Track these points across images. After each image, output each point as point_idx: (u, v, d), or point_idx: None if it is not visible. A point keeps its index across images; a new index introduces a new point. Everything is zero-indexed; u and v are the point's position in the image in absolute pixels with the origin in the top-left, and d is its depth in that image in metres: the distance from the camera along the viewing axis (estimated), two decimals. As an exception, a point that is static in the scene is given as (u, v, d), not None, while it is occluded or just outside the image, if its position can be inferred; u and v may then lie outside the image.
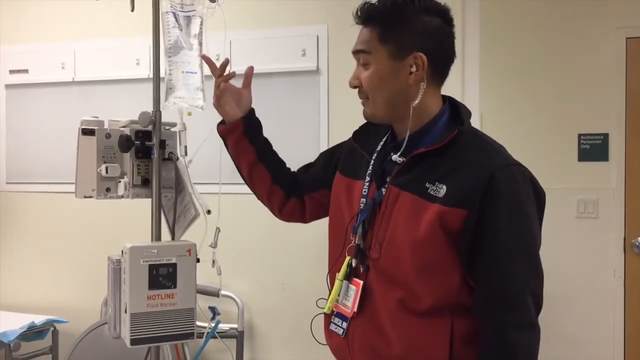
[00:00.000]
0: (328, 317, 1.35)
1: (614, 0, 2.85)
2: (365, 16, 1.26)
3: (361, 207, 1.30)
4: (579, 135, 2.90)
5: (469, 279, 1.21)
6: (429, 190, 1.20)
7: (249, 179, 1.56)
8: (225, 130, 1.52)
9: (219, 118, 1.57)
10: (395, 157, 1.26)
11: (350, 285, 1.30)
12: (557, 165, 2.90)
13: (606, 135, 2.88)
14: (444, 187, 1.18)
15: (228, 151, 1.55)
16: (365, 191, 1.31)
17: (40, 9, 3.17)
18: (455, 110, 1.30)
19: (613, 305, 2.84)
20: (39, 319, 2.82)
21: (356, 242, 1.29)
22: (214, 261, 1.65)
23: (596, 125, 2.89)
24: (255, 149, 1.52)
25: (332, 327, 1.33)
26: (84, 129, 1.62)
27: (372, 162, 1.32)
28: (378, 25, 1.24)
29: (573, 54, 2.90)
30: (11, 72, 3.20)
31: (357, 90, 1.31)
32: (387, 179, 1.27)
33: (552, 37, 2.92)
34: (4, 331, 2.66)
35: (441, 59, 1.26)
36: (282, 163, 1.59)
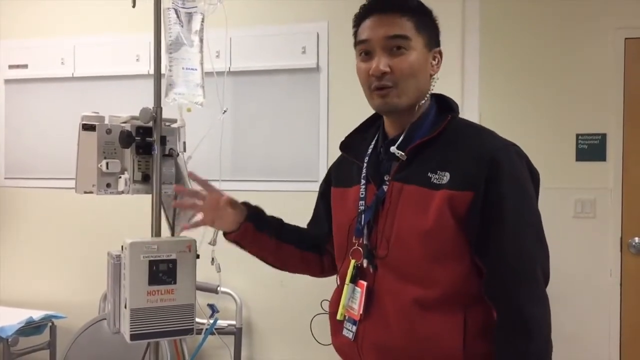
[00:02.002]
0: (340, 323, 1.34)
1: (613, 0, 2.86)
2: (400, 4, 1.26)
3: (361, 209, 1.31)
4: (577, 135, 2.91)
5: (478, 262, 1.22)
6: (432, 180, 1.22)
7: (281, 264, 1.54)
8: (237, 236, 1.46)
9: (219, 114, 1.58)
10: (393, 148, 1.27)
11: (355, 287, 1.30)
12: (554, 165, 2.91)
13: (604, 136, 2.89)
14: (447, 174, 1.21)
15: (246, 250, 1.51)
16: (362, 193, 1.32)
17: (39, 3, 3.16)
18: (442, 103, 1.34)
19: (609, 305, 2.86)
20: (36, 314, 2.82)
21: (364, 243, 1.29)
22: (213, 259, 1.66)
23: (594, 126, 2.90)
24: (274, 236, 1.48)
25: (345, 332, 1.32)
26: (85, 124, 1.63)
27: (365, 165, 1.34)
28: (412, 15, 1.26)
29: (572, 54, 2.91)
30: (10, 67, 3.19)
31: (368, 81, 1.27)
32: (386, 177, 1.29)
33: (551, 37, 2.93)
34: (1, 326, 2.66)
35: None
36: (298, 229, 1.55)
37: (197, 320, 1.60)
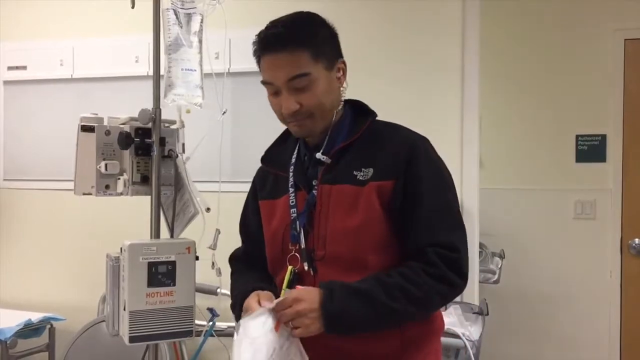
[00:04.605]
0: None
1: (613, 2, 2.86)
2: (290, 40, 1.29)
3: (293, 216, 1.33)
4: (577, 136, 2.91)
5: (402, 242, 1.28)
6: (358, 177, 1.29)
7: None
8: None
9: (219, 115, 1.57)
10: (318, 154, 1.33)
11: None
12: (554, 166, 2.91)
13: (604, 137, 2.89)
14: (371, 169, 1.28)
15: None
16: (292, 201, 1.35)
17: (39, 5, 3.16)
18: (358, 108, 1.39)
19: (609, 306, 2.85)
20: (35, 317, 2.81)
21: (302, 247, 1.31)
22: (213, 263, 1.65)
23: (594, 127, 2.91)
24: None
25: None
26: (84, 125, 1.62)
27: (291, 174, 1.37)
28: (306, 45, 1.29)
29: (571, 56, 2.91)
30: (9, 68, 3.19)
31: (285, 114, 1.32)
32: (314, 182, 1.33)
33: (551, 38, 2.93)
34: (0, 328, 2.65)
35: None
36: (261, 275, 1.47)
37: (197, 322, 1.59)
